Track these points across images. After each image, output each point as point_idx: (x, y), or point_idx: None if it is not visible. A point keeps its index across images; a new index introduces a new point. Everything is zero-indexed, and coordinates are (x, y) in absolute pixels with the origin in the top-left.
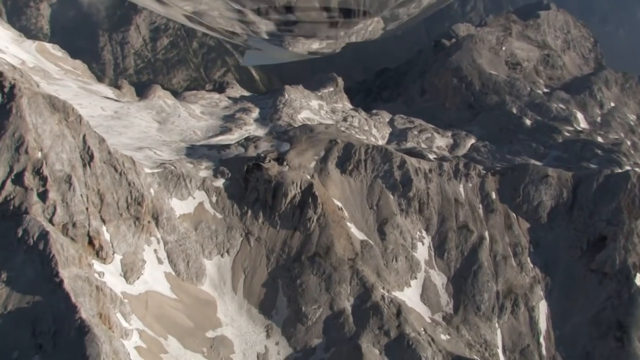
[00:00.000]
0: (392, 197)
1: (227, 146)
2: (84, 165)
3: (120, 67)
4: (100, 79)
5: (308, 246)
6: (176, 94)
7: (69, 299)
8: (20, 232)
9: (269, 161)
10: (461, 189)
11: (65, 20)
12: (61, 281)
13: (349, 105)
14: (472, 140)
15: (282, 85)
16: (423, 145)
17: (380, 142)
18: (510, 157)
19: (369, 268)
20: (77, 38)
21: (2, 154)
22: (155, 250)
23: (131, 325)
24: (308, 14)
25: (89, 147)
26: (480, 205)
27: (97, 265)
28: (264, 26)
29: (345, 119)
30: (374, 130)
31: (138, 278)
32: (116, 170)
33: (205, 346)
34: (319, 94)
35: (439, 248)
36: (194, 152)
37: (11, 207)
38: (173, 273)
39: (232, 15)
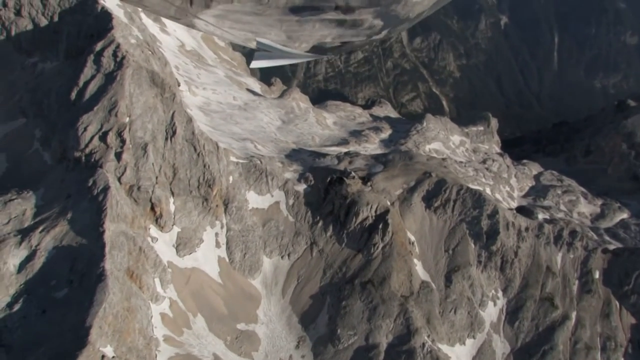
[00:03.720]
0: (473, 245)
1: (324, 155)
2: (166, 139)
3: (311, 72)
4: (289, 79)
5: (365, 271)
6: (322, 101)
7: (104, 249)
8: (90, 182)
9: (353, 178)
10: (558, 258)
11: None
12: (103, 232)
13: (496, 149)
14: (624, 215)
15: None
16: (562, 208)
17: (515, 193)
18: None
19: (420, 311)
20: None
21: (98, 112)
22: (216, 234)
23: (165, 293)
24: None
25: (174, 123)
26: (577, 282)
27: (154, 231)
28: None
29: (484, 161)
30: (512, 180)
31: (190, 254)
32: (195, 150)
33: (231, 335)
34: (466, 130)
35: (512, 314)
36: (295, 154)
37: (92, 160)
38: (227, 259)
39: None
